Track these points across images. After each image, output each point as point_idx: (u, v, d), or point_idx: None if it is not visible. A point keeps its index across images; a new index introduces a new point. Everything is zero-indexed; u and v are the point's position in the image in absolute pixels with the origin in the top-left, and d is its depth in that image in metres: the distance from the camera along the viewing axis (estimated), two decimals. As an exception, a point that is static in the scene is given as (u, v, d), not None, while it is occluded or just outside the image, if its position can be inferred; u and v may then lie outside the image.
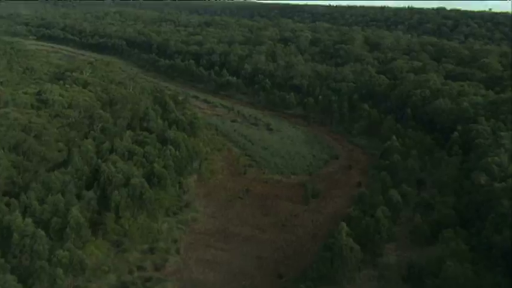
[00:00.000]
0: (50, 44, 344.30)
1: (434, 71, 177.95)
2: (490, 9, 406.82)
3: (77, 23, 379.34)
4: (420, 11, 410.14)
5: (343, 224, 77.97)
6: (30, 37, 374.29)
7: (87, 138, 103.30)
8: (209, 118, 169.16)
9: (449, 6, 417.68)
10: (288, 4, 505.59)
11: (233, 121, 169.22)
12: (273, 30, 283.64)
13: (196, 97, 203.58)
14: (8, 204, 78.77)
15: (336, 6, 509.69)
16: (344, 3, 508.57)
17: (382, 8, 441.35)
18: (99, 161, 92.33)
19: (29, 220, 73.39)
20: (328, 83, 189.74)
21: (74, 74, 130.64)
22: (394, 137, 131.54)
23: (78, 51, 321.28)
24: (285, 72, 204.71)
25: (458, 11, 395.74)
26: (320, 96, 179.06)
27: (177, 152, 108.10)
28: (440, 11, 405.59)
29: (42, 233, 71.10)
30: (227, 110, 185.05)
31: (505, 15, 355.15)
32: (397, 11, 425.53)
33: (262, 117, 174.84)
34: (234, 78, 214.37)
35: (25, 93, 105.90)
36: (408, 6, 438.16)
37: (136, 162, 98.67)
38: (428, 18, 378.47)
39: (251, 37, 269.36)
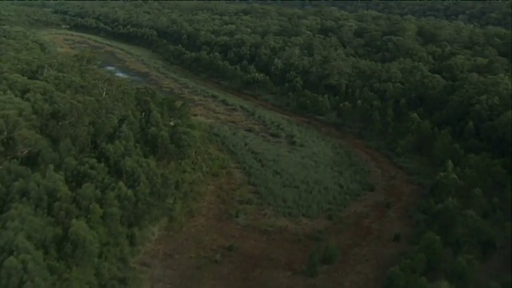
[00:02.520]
0: (79, 34, 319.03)
1: (504, 71, 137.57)
2: None
3: (112, 12, 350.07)
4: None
5: None
6: (63, 26, 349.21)
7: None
8: (220, 126, 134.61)
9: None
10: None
11: (248, 130, 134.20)
12: (313, 19, 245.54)
13: (215, 97, 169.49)
14: None
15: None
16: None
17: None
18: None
19: None
20: (371, 82, 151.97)
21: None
22: (450, 163, 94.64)
23: (106, 41, 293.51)
24: (320, 68, 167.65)
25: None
26: (359, 101, 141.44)
27: (130, 191, 73.78)
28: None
29: None
30: (246, 115, 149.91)
31: None
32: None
33: (287, 126, 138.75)
34: (262, 75, 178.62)
35: None
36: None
37: (57, 213, 64.74)
38: (493, 7, 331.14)
39: (288, 27, 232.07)
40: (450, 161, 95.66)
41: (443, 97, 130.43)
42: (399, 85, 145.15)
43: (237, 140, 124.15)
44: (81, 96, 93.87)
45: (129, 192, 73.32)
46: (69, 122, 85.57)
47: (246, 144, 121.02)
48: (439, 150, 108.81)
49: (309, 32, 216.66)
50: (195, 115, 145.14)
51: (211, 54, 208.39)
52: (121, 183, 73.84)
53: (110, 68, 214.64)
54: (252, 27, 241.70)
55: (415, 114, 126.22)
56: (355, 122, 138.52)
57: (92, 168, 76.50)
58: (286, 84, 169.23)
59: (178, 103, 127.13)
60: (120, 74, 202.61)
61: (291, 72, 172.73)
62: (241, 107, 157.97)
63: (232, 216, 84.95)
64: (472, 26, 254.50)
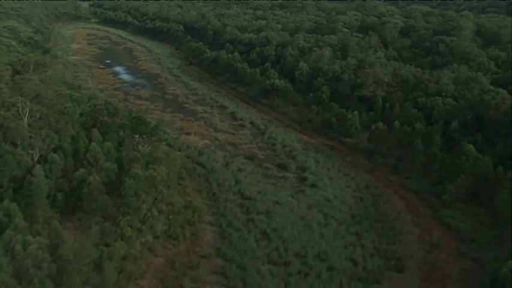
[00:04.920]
0: (106, 29, 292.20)
1: None
2: None
3: (143, 5, 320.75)
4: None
5: None
6: (92, 20, 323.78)
7: None
8: (211, 153, 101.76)
9: None
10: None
11: (249, 158, 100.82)
12: (353, 15, 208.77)
13: (224, 108, 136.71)
14: None
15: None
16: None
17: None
18: None
19: None
20: (415, 96, 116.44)
21: None
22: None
23: (130, 37, 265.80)
24: (353, 75, 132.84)
25: None
26: (397, 121, 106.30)
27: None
28: None
29: None
30: (254, 135, 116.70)
31: None
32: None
33: (301, 152, 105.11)
34: (284, 81, 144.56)
35: None
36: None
37: None
38: None
39: (323, 23, 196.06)
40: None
41: (510, 121, 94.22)
42: (451, 101, 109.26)
43: (227, 174, 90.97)
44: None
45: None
46: None
47: (237, 183, 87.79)
48: (504, 204, 73.71)
49: (346, 30, 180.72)
50: (188, 134, 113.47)
51: (230, 54, 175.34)
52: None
53: (117, 68, 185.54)
54: (284, 23, 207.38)
55: (471, 145, 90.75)
56: (391, 150, 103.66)
57: None
58: (311, 94, 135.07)
59: (152, 123, 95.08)
60: (124, 76, 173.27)
61: (318, 78, 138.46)
62: (252, 122, 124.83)
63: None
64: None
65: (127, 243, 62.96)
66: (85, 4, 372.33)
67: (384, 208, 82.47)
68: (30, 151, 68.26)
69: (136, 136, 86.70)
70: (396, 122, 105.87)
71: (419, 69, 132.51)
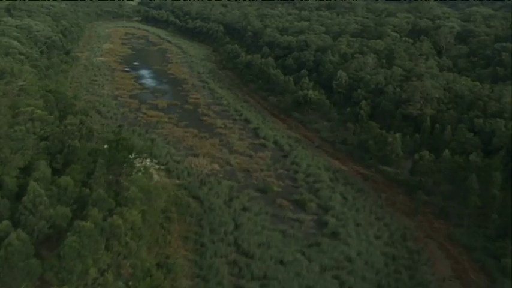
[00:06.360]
0: (146, 28, 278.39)
1: None
2: None
3: (187, 4, 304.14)
4: None
5: None
6: (134, 19, 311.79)
7: None
8: (216, 183, 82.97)
9: None
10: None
11: (261, 192, 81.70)
12: (405, 17, 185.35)
13: (247, 122, 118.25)
14: None
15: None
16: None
17: None
18: None
19: None
20: (472, 116, 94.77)
21: None
22: None
23: (168, 37, 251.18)
24: (399, 88, 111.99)
25: None
26: (447, 150, 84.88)
27: None
28: None
29: None
30: (275, 158, 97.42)
31: None
32: None
33: (328, 185, 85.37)
34: (319, 92, 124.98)
35: None
36: None
37: None
38: None
39: (370, 26, 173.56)
40: None
41: None
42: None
43: (226, 216, 71.94)
44: None
45: None
46: None
47: (236, 228, 68.76)
48: None
49: (394, 34, 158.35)
50: (196, 156, 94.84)
51: (263, 59, 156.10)
52: None
53: (143, 71, 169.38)
54: (328, 25, 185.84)
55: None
56: (438, 186, 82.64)
57: None
58: (348, 108, 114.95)
59: (139, 146, 76.91)
60: (147, 81, 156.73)
61: (358, 90, 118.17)
62: (275, 142, 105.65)
63: None
64: None
65: (55, 330, 45.01)
66: (133, 2, 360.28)
67: (423, 272, 61.96)
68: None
69: (124, 165, 69.62)
70: (446, 151, 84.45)
71: (477, 82, 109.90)
